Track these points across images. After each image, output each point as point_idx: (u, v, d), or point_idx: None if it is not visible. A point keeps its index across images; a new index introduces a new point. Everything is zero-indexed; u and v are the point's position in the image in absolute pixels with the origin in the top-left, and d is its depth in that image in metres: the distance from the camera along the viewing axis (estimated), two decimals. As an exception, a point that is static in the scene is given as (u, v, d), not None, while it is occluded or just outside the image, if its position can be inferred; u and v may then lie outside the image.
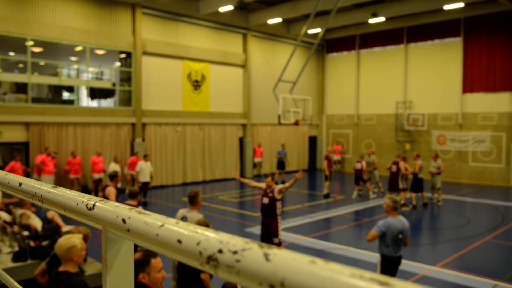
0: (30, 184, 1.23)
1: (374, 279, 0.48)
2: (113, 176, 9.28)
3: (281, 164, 20.06)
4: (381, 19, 20.75)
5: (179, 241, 0.69)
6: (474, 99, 20.56)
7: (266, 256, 0.56)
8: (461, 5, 18.43)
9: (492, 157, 20.04)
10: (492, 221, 12.42)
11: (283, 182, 18.38)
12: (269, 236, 7.78)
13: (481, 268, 8.23)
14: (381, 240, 6.07)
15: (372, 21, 21.07)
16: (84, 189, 15.52)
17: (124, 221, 0.84)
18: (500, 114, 19.80)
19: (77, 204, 0.99)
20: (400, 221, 6.05)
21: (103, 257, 0.96)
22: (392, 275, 6.13)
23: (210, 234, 0.67)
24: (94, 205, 0.94)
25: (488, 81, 20.18)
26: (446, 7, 18.72)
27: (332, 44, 25.90)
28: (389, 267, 6.13)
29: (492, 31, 19.99)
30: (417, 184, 14.19)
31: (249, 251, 0.59)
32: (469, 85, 20.70)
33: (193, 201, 5.96)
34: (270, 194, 7.73)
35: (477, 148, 20.43)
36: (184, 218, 5.86)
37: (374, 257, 8.81)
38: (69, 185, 15.12)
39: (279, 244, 7.78)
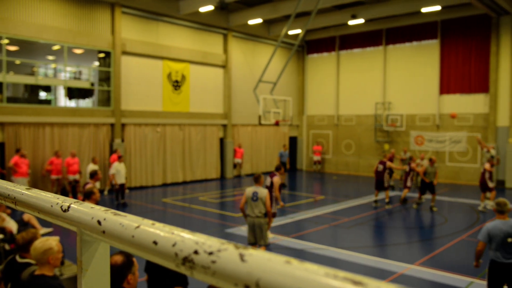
0: (3, 185, 1.20)
1: (348, 278, 0.49)
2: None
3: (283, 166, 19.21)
4: (361, 20, 20.98)
5: (155, 243, 0.69)
6: (451, 100, 20.96)
7: (242, 257, 0.56)
8: (438, 8, 18.79)
9: (468, 157, 20.48)
10: (468, 220, 12.69)
11: (283, 185, 17.16)
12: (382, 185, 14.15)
13: (458, 265, 8.40)
14: (489, 244, 5.69)
15: (351, 22, 21.30)
16: (63, 190, 15.29)
17: (99, 222, 0.82)
18: (475, 115, 20.24)
19: (52, 205, 0.97)
20: (508, 224, 5.63)
21: (78, 260, 0.94)
22: (500, 284, 5.65)
23: (186, 235, 0.66)
24: (69, 207, 0.93)
25: (463, 82, 20.61)
26: (424, 9, 19.07)
27: (312, 45, 26.07)
28: (496, 274, 5.68)
29: (468, 34, 20.43)
30: (429, 186, 14.05)
31: (224, 251, 0.59)
32: (446, 86, 21.10)
33: (258, 180, 7.96)
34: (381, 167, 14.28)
35: (453, 149, 20.84)
36: (255, 193, 7.82)
37: (355, 256, 8.91)
38: (50, 185, 14.84)
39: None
